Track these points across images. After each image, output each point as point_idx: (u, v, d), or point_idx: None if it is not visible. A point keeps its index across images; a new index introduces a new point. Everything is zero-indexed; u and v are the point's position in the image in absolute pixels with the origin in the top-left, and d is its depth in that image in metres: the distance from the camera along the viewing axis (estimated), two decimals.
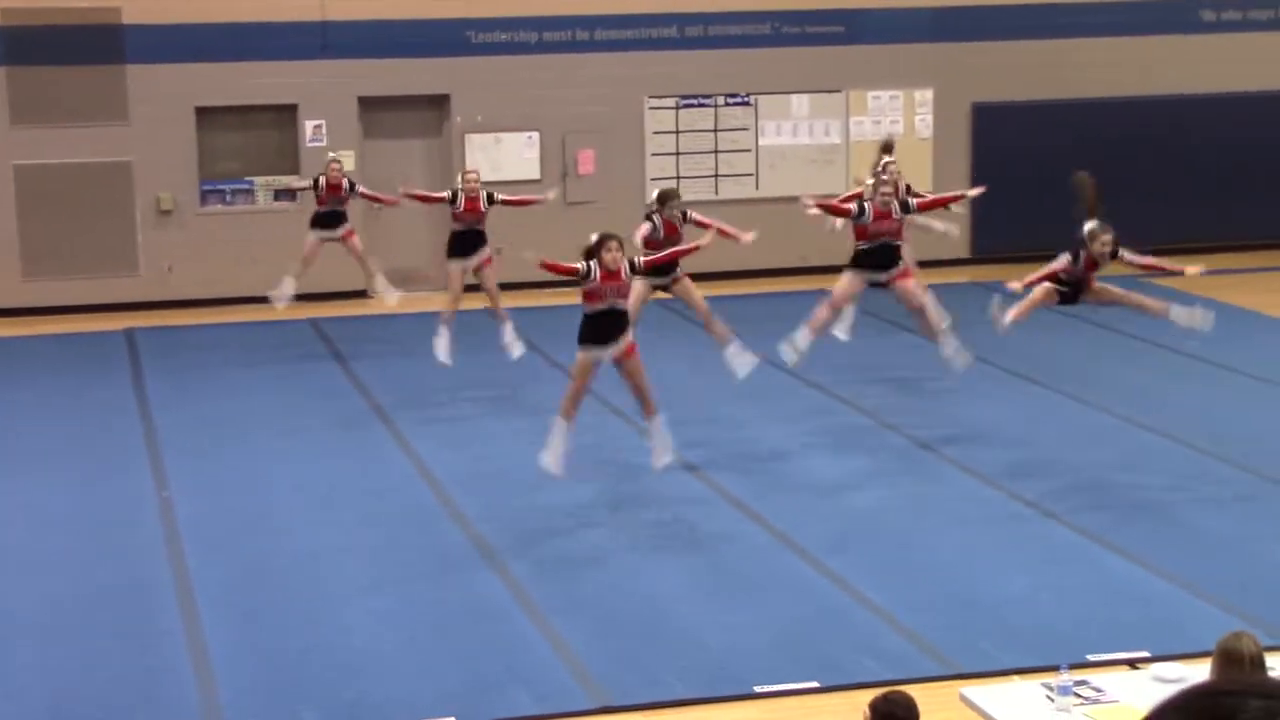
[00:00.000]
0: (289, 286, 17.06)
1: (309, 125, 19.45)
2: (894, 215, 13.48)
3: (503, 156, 19.88)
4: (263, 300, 19.06)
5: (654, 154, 20.29)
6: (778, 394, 15.03)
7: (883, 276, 13.50)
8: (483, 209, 15.39)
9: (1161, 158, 21.33)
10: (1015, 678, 8.38)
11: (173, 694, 8.86)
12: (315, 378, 15.89)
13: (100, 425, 14.29)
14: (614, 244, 11.76)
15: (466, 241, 15.45)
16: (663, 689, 8.85)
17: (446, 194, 15.65)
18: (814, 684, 8.89)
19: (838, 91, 20.61)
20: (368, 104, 19.61)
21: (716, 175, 20.48)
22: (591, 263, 11.73)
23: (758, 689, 8.84)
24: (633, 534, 11.34)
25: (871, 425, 13.85)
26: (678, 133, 20.32)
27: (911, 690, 6.11)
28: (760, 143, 20.53)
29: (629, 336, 11.90)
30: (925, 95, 20.83)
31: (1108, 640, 9.31)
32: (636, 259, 12.24)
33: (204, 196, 19.39)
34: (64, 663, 9.30)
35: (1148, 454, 13.01)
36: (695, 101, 20.32)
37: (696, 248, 12.74)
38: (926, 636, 9.43)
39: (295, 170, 19.51)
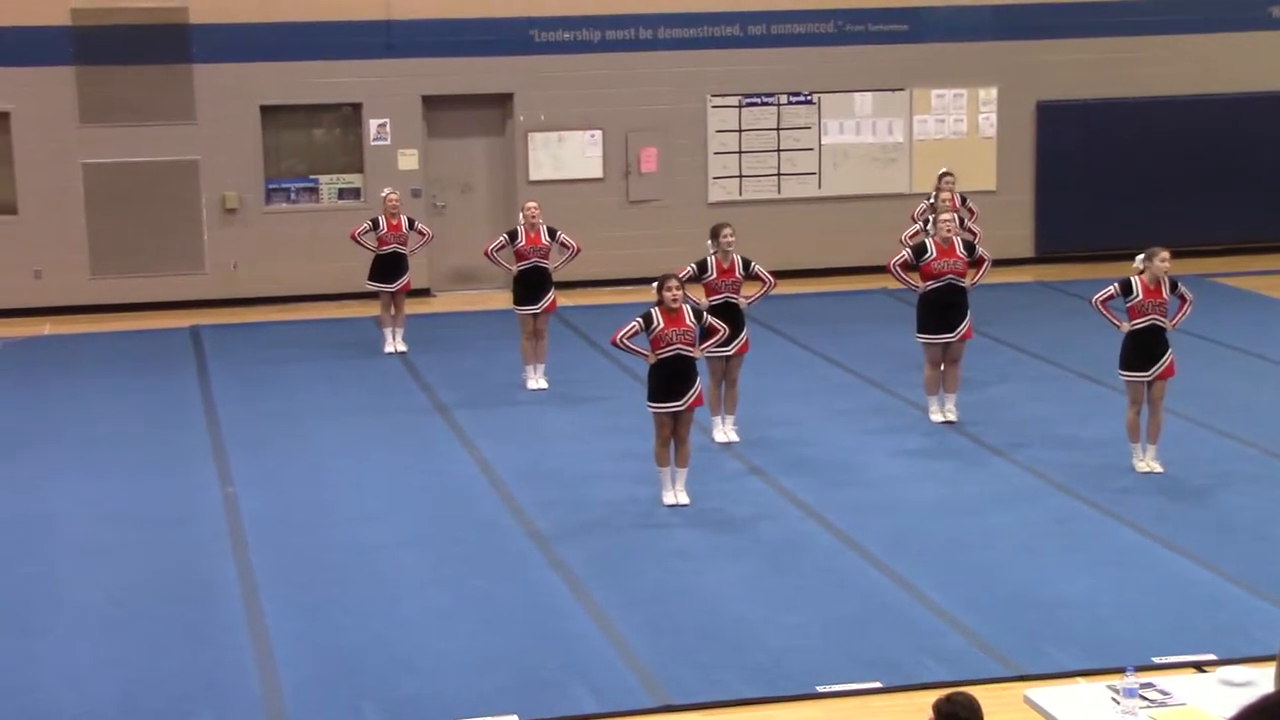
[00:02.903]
0: (391, 341, 16.68)
1: (373, 124, 19.55)
2: (958, 251, 13.47)
3: (566, 155, 19.91)
4: (326, 298, 19.20)
5: (716, 152, 20.26)
6: (836, 393, 14.99)
7: (954, 337, 13.59)
8: (545, 242, 15.07)
9: (1229, 156, 21.11)
10: (1080, 680, 8.32)
11: (235, 686, 8.92)
12: (378, 374, 15.96)
13: (166, 421, 14.42)
14: (673, 282, 11.69)
15: (532, 283, 15.02)
16: (723, 688, 8.83)
17: (503, 239, 15.18)
18: (876, 684, 8.85)
19: (901, 90, 20.52)
20: (432, 103, 19.69)
21: (779, 174, 20.44)
22: (654, 309, 11.68)
23: (819, 688, 8.81)
24: (693, 532, 11.33)
25: (932, 424, 13.77)
26: (740, 131, 20.29)
27: (974, 691, 6.05)
28: (823, 141, 20.47)
29: (698, 386, 11.83)
30: (989, 94, 20.71)
31: (1173, 643, 9.22)
32: (704, 313, 12.06)
33: (269, 195, 19.52)
34: (129, 655, 9.39)
35: (1215, 456, 12.88)
36: (758, 100, 20.28)
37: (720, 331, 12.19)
38: (989, 637, 9.37)
39: (359, 169, 19.61)
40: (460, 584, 10.41)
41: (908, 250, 13.86)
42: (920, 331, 13.74)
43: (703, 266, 13.14)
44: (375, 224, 16.54)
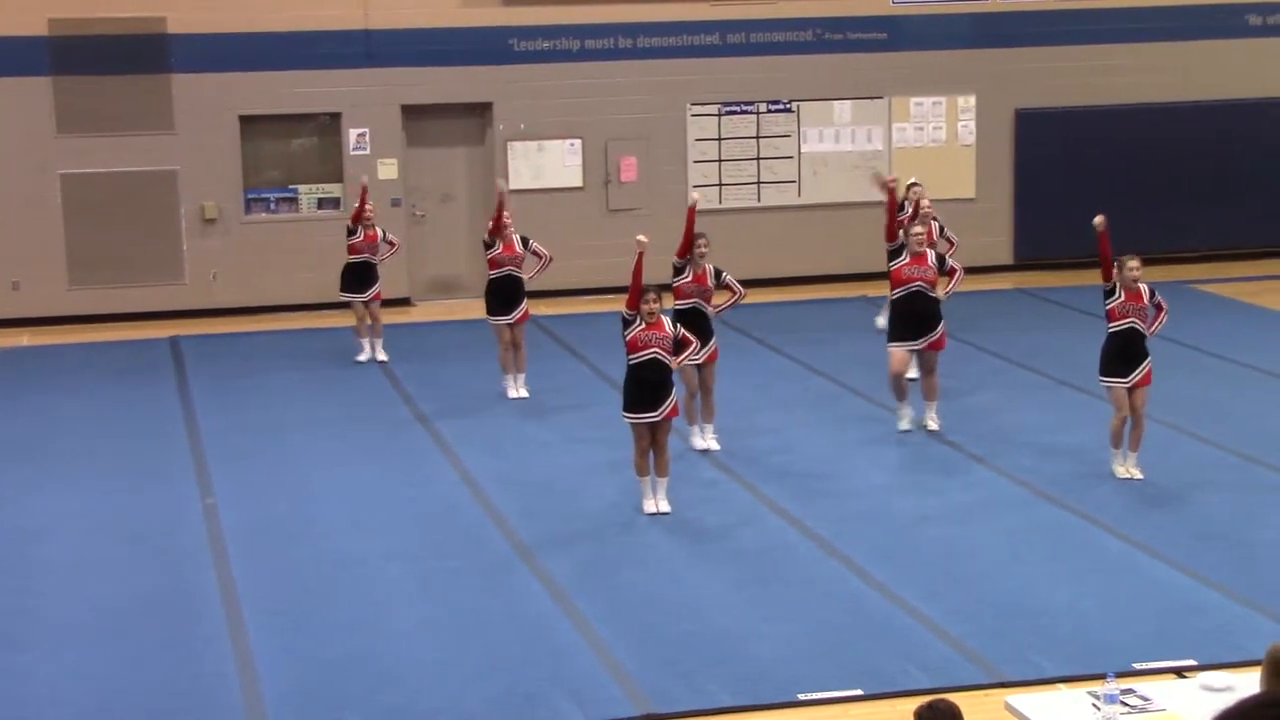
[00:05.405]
0: (365, 351, 16.65)
1: (353, 133, 19.53)
2: (929, 262, 13.53)
3: (545, 164, 19.91)
4: (306, 308, 19.17)
5: (696, 161, 20.29)
6: (817, 401, 15.00)
7: (923, 343, 13.60)
8: (519, 251, 15.07)
9: (1207, 164, 21.19)
10: (1061, 686, 8.33)
11: (217, 700, 8.90)
12: (359, 385, 15.94)
13: (145, 432, 14.38)
14: (651, 295, 11.72)
15: (505, 293, 14.99)
16: (706, 696, 8.83)
17: (494, 253, 14.99)
18: (858, 692, 8.86)
19: (880, 98, 20.57)
20: (411, 112, 19.68)
21: (759, 182, 20.47)
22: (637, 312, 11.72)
23: (801, 696, 8.82)
24: (676, 541, 11.33)
25: (914, 432, 13.79)
26: (720, 140, 20.31)
27: (956, 698, 6.08)
28: (803, 149, 20.50)
29: (674, 397, 11.83)
30: (968, 101, 20.77)
31: (1154, 648, 9.25)
32: (679, 329, 11.99)
33: (248, 205, 19.49)
34: (110, 668, 9.36)
35: (1196, 463, 12.92)
36: (737, 108, 20.31)
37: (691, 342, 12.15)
38: (971, 644, 9.39)
39: (339, 178, 19.60)
40: (443, 595, 10.40)
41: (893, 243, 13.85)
42: (891, 340, 13.74)
43: (678, 270, 13.18)
44: (352, 231, 16.52)
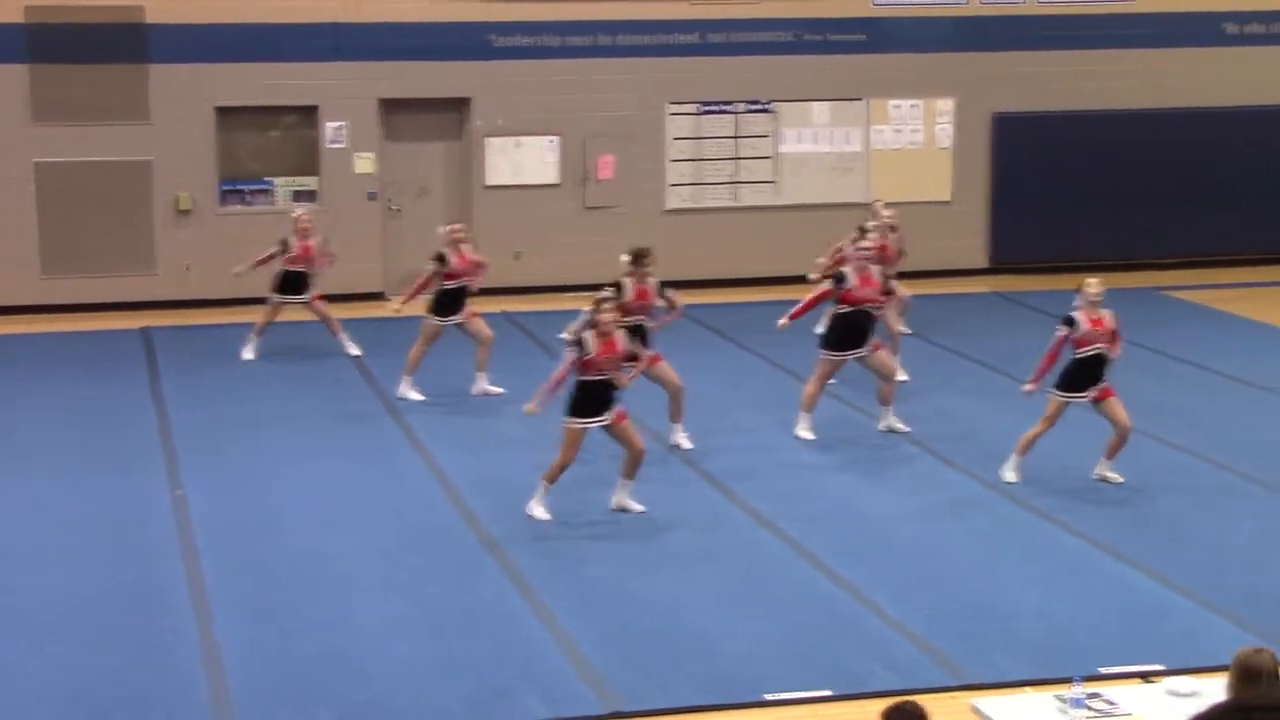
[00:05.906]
0: (252, 349, 16.46)
1: (329, 126, 19.47)
2: (876, 279, 13.54)
3: (523, 160, 19.89)
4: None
5: (674, 160, 20.27)
6: (790, 402, 14.99)
7: (864, 351, 13.59)
8: (471, 259, 15.04)
9: (1182, 170, 21.25)
10: (1027, 689, 8.35)
11: (184, 694, 8.87)
12: (330, 378, 15.89)
13: (115, 423, 14.32)
14: (607, 305, 11.67)
15: (459, 298, 14.95)
16: (675, 695, 8.84)
17: (434, 266, 14.93)
18: (826, 692, 8.88)
19: (859, 100, 20.58)
20: (388, 106, 19.63)
21: (736, 182, 20.47)
22: (586, 334, 11.56)
23: (769, 696, 8.82)
24: (647, 540, 11.33)
25: (884, 435, 13.82)
26: (698, 139, 20.31)
27: (923, 700, 6.09)
28: (781, 150, 20.51)
29: (617, 405, 11.78)
30: (946, 104, 20.80)
31: (1121, 653, 9.28)
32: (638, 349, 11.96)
33: (223, 196, 19.41)
34: (77, 661, 9.31)
35: (1164, 467, 12.97)
36: (716, 108, 20.31)
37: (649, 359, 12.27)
38: (939, 646, 9.41)
39: (315, 171, 19.52)
40: (414, 591, 10.38)
41: (832, 282, 13.92)
42: (825, 348, 13.74)
43: (620, 289, 13.08)
44: (285, 246, 16.30)
